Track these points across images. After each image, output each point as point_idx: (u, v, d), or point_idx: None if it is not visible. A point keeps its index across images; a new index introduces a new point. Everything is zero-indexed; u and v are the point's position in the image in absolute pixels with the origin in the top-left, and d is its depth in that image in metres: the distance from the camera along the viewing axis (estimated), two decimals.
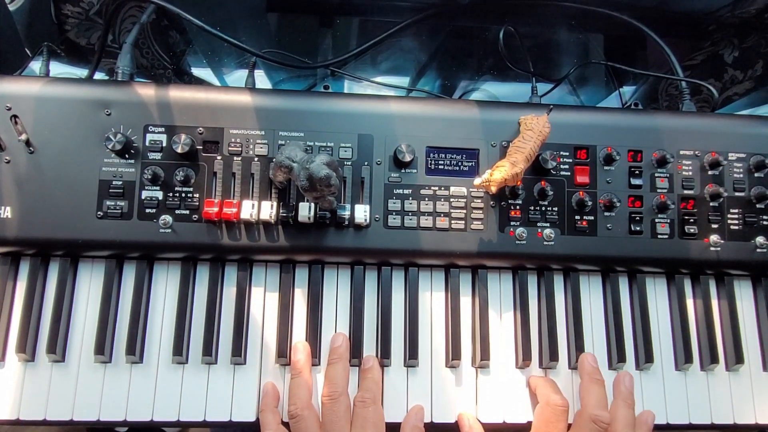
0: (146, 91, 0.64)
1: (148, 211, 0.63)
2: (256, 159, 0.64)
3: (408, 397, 0.64)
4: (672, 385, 0.67)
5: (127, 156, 0.63)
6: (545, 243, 0.66)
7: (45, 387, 0.61)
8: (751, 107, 0.94)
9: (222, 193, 0.64)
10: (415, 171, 0.66)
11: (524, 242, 0.66)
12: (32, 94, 0.63)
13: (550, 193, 0.66)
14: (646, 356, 0.67)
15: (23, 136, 0.62)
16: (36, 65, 0.71)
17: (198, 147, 0.64)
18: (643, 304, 0.68)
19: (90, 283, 0.65)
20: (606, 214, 0.67)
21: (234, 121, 0.64)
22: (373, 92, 0.87)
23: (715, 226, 0.68)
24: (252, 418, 0.62)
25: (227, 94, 0.66)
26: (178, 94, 0.65)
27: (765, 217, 0.68)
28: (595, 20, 0.88)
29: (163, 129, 0.64)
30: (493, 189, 0.60)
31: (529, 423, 0.64)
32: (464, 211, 0.66)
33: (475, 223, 0.66)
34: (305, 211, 0.62)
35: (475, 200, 0.66)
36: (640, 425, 0.62)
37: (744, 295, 0.71)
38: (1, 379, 0.62)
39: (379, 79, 0.88)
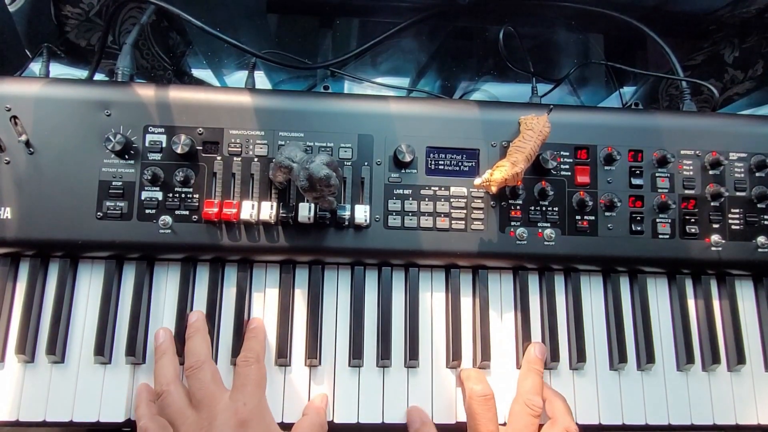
0: (146, 91, 0.64)
1: (147, 211, 0.63)
2: (255, 159, 0.64)
3: (408, 398, 0.64)
4: (673, 386, 0.67)
5: (126, 156, 0.63)
6: (546, 243, 0.66)
7: (45, 388, 0.61)
8: (752, 107, 0.94)
9: (222, 193, 0.64)
10: (415, 171, 0.66)
11: (525, 242, 0.65)
12: (32, 95, 0.63)
13: (551, 193, 0.66)
14: (647, 357, 0.66)
15: (23, 137, 0.62)
16: (36, 66, 0.71)
17: (198, 147, 0.64)
18: (644, 304, 0.68)
19: (90, 283, 0.65)
20: (607, 214, 0.67)
21: (234, 122, 0.64)
22: (373, 93, 0.87)
23: (716, 225, 0.68)
24: None
25: (227, 94, 0.66)
26: (177, 94, 0.65)
27: (766, 216, 0.68)
28: (595, 20, 0.88)
29: (162, 129, 0.64)
30: (494, 189, 0.60)
31: None
32: (464, 211, 0.65)
33: (475, 223, 0.65)
34: (305, 211, 0.62)
35: (475, 200, 0.66)
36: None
37: (745, 295, 0.71)
38: (1, 380, 0.61)
39: (379, 79, 0.89)
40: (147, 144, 0.63)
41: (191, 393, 0.58)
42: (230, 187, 0.64)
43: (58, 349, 0.61)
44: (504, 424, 0.62)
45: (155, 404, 0.59)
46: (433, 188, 0.66)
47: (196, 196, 0.63)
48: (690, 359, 0.67)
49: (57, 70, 0.82)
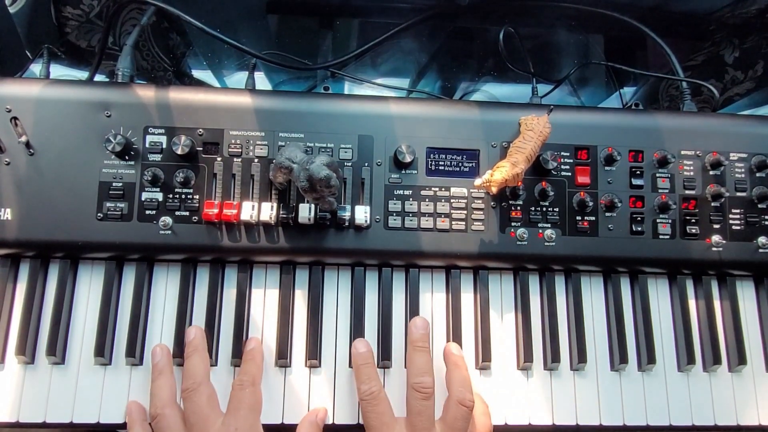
0: (146, 92, 0.64)
1: (148, 212, 0.63)
2: (256, 160, 0.64)
3: None
4: (674, 387, 0.67)
5: (127, 157, 0.63)
6: (546, 244, 0.66)
7: (45, 389, 0.61)
8: (752, 107, 0.94)
9: (222, 194, 0.64)
10: (416, 172, 0.66)
11: (525, 243, 0.65)
12: (32, 96, 0.63)
13: (551, 193, 0.66)
14: (648, 357, 0.66)
15: (23, 138, 0.62)
16: (36, 67, 0.71)
17: (198, 148, 0.64)
18: (645, 304, 0.68)
19: (90, 284, 0.65)
20: (607, 214, 0.67)
21: (234, 123, 0.64)
22: (374, 94, 0.87)
23: (716, 226, 0.68)
24: None
25: (227, 95, 0.66)
26: (178, 95, 0.65)
27: (767, 217, 0.68)
28: (595, 21, 0.88)
29: (163, 130, 0.64)
30: (494, 189, 0.60)
31: (531, 425, 0.64)
32: (465, 211, 0.65)
33: (475, 224, 0.65)
34: (305, 212, 0.62)
35: (475, 201, 0.66)
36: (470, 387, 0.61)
37: (746, 295, 0.71)
38: (1, 381, 0.61)
39: (379, 80, 0.88)
40: (147, 145, 0.63)
41: (186, 416, 0.58)
42: (230, 188, 0.64)
43: (58, 350, 0.61)
44: None
45: (150, 425, 0.59)
46: (433, 189, 0.66)
47: (197, 197, 0.63)
48: (691, 360, 0.67)
49: (57, 71, 0.82)
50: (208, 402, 0.58)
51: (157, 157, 0.63)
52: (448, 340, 0.66)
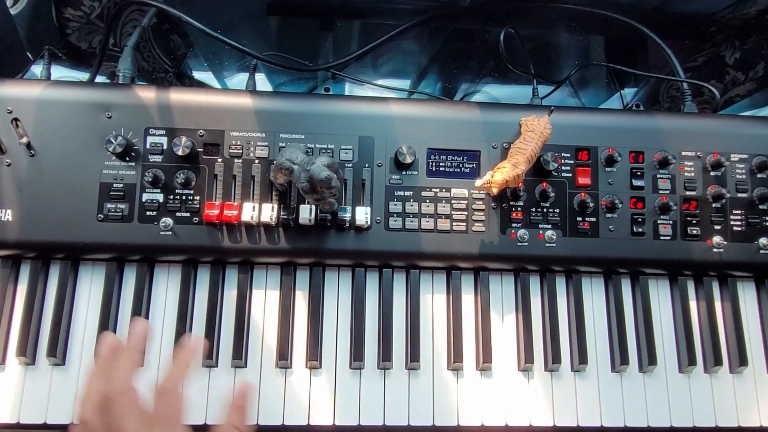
0: (147, 94, 0.64)
1: (148, 213, 0.63)
2: (256, 161, 0.64)
3: (410, 400, 0.64)
4: (675, 388, 0.67)
5: (127, 159, 0.63)
6: (547, 245, 0.66)
7: (45, 390, 0.61)
8: (753, 108, 0.94)
9: (223, 195, 0.64)
10: (416, 173, 0.66)
11: (526, 244, 0.65)
12: (33, 98, 0.63)
13: (552, 194, 0.66)
14: (649, 358, 0.66)
15: (24, 139, 0.62)
16: (37, 69, 0.71)
17: (199, 149, 0.64)
18: (646, 306, 0.68)
19: (90, 286, 0.65)
20: (608, 215, 0.67)
21: (235, 124, 0.64)
22: (374, 95, 0.87)
23: (717, 227, 0.68)
24: (253, 420, 0.62)
25: (228, 96, 0.66)
26: (178, 96, 0.65)
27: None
28: (595, 22, 0.88)
29: (163, 132, 0.64)
30: (495, 190, 0.60)
31: (531, 426, 0.64)
32: (465, 212, 0.65)
33: (476, 224, 0.65)
34: (306, 213, 0.62)
35: (476, 202, 0.66)
36: None
37: (747, 296, 0.71)
38: (2, 382, 0.61)
39: (380, 81, 0.89)
40: (148, 146, 0.63)
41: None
42: (231, 189, 0.64)
43: (58, 351, 0.61)
44: None
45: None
46: (434, 190, 0.66)
47: (197, 198, 0.63)
48: (692, 361, 0.66)
49: (58, 72, 0.82)
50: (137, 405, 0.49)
51: (158, 158, 0.63)
52: (448, 341, 0.66)
